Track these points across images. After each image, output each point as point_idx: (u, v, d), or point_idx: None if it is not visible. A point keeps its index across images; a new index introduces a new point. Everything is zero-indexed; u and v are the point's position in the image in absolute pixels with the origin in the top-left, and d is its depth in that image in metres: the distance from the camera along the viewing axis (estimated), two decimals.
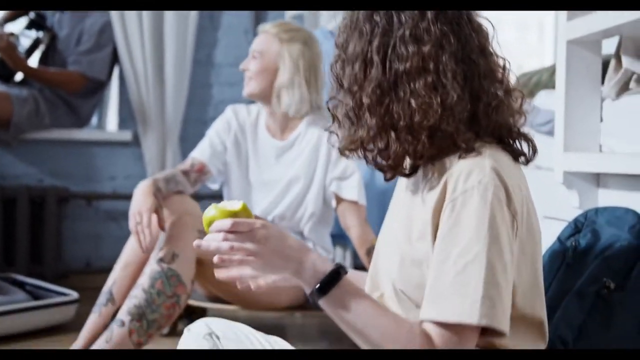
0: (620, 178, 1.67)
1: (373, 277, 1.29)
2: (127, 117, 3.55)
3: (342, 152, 1.20)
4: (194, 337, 1.32)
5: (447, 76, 1.09)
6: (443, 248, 1.07)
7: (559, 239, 1.57)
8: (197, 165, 2.30)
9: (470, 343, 1.05)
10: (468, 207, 1.06)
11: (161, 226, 2.01)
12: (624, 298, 1.38)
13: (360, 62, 1.13)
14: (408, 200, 1.22)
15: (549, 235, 1.63)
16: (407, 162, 1.15)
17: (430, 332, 1.06)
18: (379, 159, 1.16)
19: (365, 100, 1.12)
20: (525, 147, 1.19)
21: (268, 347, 1.33)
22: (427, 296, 1.07)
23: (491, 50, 1.16)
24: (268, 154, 2.38)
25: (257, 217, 1.20)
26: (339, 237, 2.86)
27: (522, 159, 1.20)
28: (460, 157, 1.10)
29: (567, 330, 1.40)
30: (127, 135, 3.51)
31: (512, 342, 1.10)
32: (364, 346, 1.12)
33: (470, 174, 1.07)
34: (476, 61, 1.12)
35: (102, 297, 2.09)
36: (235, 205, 1.15)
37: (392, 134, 1.12)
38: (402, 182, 1.29)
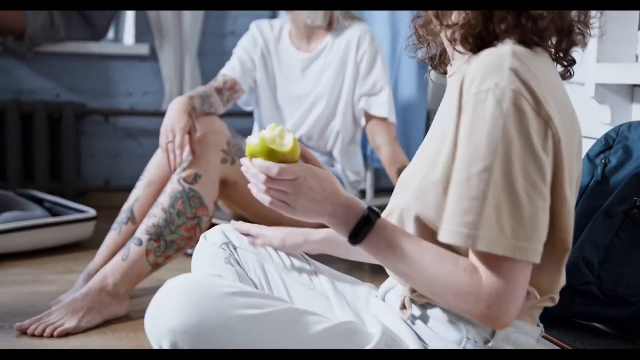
0: None
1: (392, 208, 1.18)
2: (144, 30, 3.45)
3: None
4: (210, 246, 1.33)
5: None
6: (457, 157, 0.96)
7: (587, 155, 1.48)
8: (229, 82, 2.23)
9: (526, 275, 0.94)
10: (480, 112, 0.93)
11: (192, 148, 1.95)
12: None
13: None
14: (436, 119, 1.11)
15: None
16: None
17: (477, 264, 0.95)
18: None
19: None
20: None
21: (285, 257, 1.33)
22: (446, 209, 0.97)
23: None
24: (294, 68, 2.30)
25: (304, 153, 1.12)
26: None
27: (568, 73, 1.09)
28: (481, 55, 0.98)
29: (593, 251, 1.33)
30: (144, 49, 3.42)
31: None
32: (413, 286, 1.05)
33: (487, 74, 0.94)
34: None
35: (123, 215, 2.05)
36: (285, 142, 1.06)
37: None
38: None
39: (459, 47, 1.04)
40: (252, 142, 1.06)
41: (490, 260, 0.94)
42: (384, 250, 1.02)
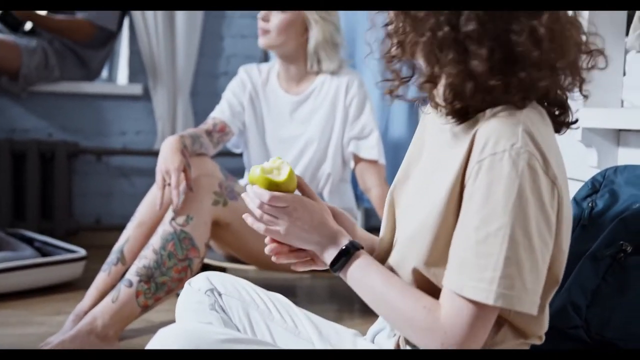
0: None
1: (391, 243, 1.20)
2: (137, 70, 3.48)
3: (421, 86, 1.07)
4: (194, 292, 1.33)
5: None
6: (467, 211, 0.99)
7: (574, 199, 1.49)
8: (219, 125, 2.25)
9: (488, 322, 0.98)
10: (497, 171, 0.97)
11: (189, 186, 1.96)
12: None
13: None
14: (436, 151, 1.13)
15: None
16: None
17: (448, 302, 0.99)
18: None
19: (469, 27, 0.99)
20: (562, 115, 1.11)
21: (270, 304, 1.34)
22: (450, 261, 1.01)
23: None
24: (283, 110, 2.33)
25: (300, 185, 1.19)
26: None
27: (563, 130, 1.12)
28: (493, 115, 1.01)
29: (580, 295, 1.33)
30: (137, 89, 3.45)
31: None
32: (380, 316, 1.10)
33: (502, 135, 0.98)
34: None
35: (113, 256, 2.05)
36: (281, 173, 1.16)
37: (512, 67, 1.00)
38: (422, 133, 1.19)
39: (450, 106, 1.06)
40: (254, 171, 1.16)
41: (464, 303, 0.97)
42: (357, 280, 1.10)
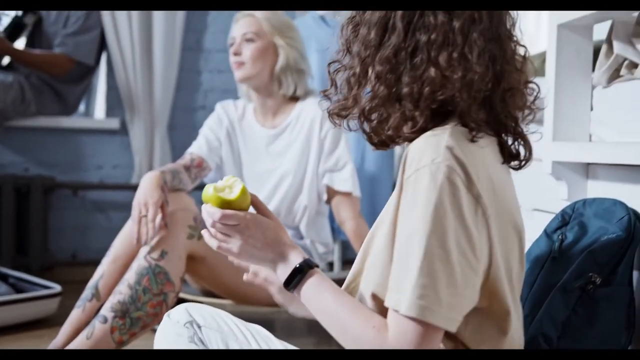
0: (609, 169, 1.61)
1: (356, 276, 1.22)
2: (115, 104, 3.49)
3: (330, 116, 1.17)
4: (173, 324, 1.33)
5: (474, 53, 1.04)
6: (398, 230, 1.03)
7: (545, 231, 1.52)
8: (196, 160, 2.26)
9: (433, 340, 0.98)
10: (418, 185, 1.00)
11: (164, 222, 1.96)
12: (609, 293, 1.33)
13: (379, 27, 1.08)
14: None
15: (536, 228, 1.58)
16: (401, 135, 1.10)
17: (393, 321, 1.00)
18: (374, 129, 1.13)
19: (377, 67, 1.07)
20: (521, 150, 1.14)
21: (249, 335, 1.34)
22: (390, 280, 1.02)
23: (515, 36, 1.11)
24: (259, 144, 2.34)
25: (255, 203, 1.21)
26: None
27: (514, 163, 1.14)
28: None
29: (551, 327, 1.35)
30: (114, 123, 3.45)
31: (467, 333, 1.05)
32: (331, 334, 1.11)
33: (425, 152, 1.01)
34: (504, 43, 1.08)
35: (87, 292, 2.04)
36: (234, 191, 1.16)
37: (397, 105, 1.07)
38: None
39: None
40: (207, 189, 1.17)
41: (406, 322, 0.97)
42: (310, 299, 1.11)
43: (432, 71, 1.03)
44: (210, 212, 1.15)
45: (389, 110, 1.08)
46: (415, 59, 1.05)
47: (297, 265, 1.13)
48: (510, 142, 1.13)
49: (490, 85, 1.05)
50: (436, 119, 1.07)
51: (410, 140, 1.08)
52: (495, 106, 1.08)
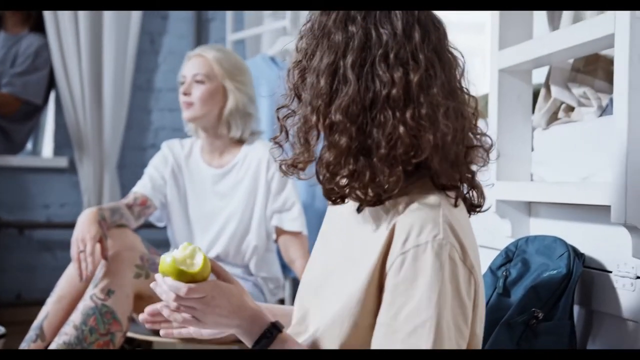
0: (550, 207, 1.67)
1: (303, 316, 1.22)
2: (63, 142, 3.47)
3: (286, 170, 1.13)
4: None
5: (439, 111, 1.02)
6: (392, 302, 1.01)
7: (490, 268, 1.57)
8: (140, 198, 2.26)
9: None
10: (421, 263, 0.99)
11: (104, 256, 1.95)
12: (551, 327, 1.38)
13: (328, 76, 1.03)
14: (346, 233, 1.17)
15: (482, 264, 1.62)
16: (370, 193, 1.06)
17: None
18: (336, 184, 1.08)
19: (335, 117, 1.02)
20: (476, 197, 1.15)
21: None
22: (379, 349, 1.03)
23: (465, 87, 1.10)
24: (205, 183, 2.35)
25: (214, 269, 1.17)
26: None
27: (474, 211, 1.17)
28: (413, 201, 1.05)
29: None
30: (62, 162, 3.42)
31: None
32: None
33: (424, 226, 1.01)
34: (459, 97, 1.07)
35: (32, 333, 2.00)
36: (195, 262, 1.12)
37: (362, 160, 1.03)
38: (336, 209, 1.24)
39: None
40: (165, 261, 1.12)
41: None
42: None
43: (401, 130, 1.00)
44: (174, 287, 1.09)
45: (353, 166, 1.03)
46: (374, 110, 1.01)
47: (264, 330, 1.11)
48: (465, 191, 1.13)
49: (456, 143, 1.05)
50: (410, 177, 1.08)
51: (384, 201, 1.07)
52: (460, 163, 1.08)
